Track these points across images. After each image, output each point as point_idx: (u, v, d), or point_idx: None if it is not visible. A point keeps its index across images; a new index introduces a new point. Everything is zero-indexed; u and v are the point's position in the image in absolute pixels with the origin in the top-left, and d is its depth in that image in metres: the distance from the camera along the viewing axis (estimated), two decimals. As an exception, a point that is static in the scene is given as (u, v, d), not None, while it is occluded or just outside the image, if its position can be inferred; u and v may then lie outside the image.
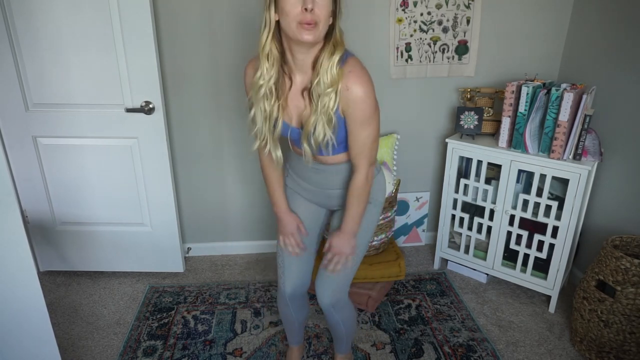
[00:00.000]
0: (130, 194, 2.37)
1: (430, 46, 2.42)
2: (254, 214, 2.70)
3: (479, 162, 2.29)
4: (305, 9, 1.17)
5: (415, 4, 2.33)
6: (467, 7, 2.34)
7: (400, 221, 2.75)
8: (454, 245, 2.55)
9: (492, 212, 2.30)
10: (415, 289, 2.41)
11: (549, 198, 2.12)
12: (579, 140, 2.01)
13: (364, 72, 1.29)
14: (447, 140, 2.35)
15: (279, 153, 1.41)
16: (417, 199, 2.74)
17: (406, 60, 2.43)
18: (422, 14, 2.35)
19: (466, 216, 2.42)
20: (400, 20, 2.36)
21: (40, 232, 2.44)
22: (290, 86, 1.35)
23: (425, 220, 2.80)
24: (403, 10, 2.34)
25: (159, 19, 2.22)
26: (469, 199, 2.38)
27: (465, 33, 2.40)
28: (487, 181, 2.33)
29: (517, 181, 2.20)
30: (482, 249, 2.43)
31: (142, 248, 2.49)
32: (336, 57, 1.25)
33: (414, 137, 2.61)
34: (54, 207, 2.40)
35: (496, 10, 2.36)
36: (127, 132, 2.24)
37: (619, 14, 2.08)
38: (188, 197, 2.62)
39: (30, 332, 1.41)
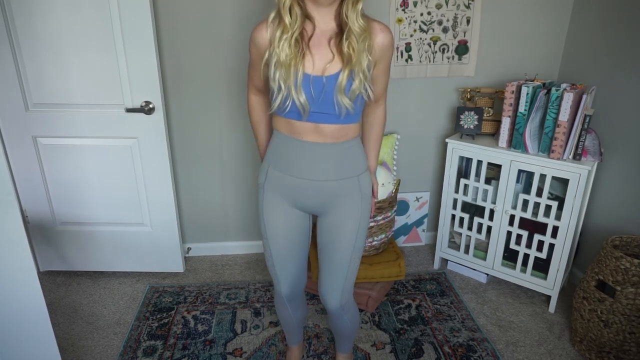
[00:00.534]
0: (130, 194, 2.37)
1: (430, 46, 2.42)
2: (254, 214, 2.70)
3: (479, 162, 2.29)
4: None
5: (415, 4, 2.33)
6: (467, 7, 2.35)
7: (400, 221, 2.75)
8: (454, 245, 2.55)
9: (492, 212, 2.31)
10: (415, 289, 2.42)
11: (549, 198, 2.12)
12: (579, 140, 2.01)
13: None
14: (447, 140, 2.35)
15: (303, 97, 1.31)
16: (417, 199, 2.74)
17: (406, 61, 2.43)
18: (422, 14, 2.35)
19: (466, 216, 2.42)
20: (400, 20, 2.36)
21: (40, 232, 2.44)
22: (313, 32, 1.32)
23: (425, 220, 2.81)
24: (403, 10, 2.34)
25: (159, 19, 2.22)
26: (469, 199, 2.38)
27: (465, 33, 2.40)
28: (487, 181, 2.33)
29: (517, 181, 2.20)
30: (482, 249, 2.43)
31: (142, 248, 2.49)
32: (360, 6, 1.27)
33: (414, 137, 2.61)
34: (54, 207, 2.40)
35: (496, 10, 2.37)
36: (127, 132, 2.24)
37: (619, 14, 2.08)
38: (188, 197, 2.62)
39: (30, 332, 1.41)
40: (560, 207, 2.11)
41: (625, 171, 2.08)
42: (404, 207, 2.74)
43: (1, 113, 2.19)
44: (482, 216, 2.35)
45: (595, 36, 2.23)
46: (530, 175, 2.22)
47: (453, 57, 2.44)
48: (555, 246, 2.15)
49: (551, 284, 2.21)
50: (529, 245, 2.23)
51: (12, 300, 1.34)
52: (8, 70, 2.10)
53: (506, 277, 2.35)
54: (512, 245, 2.28)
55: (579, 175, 2.01)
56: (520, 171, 2.18)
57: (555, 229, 2.14)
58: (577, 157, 2.03)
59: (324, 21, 1.32)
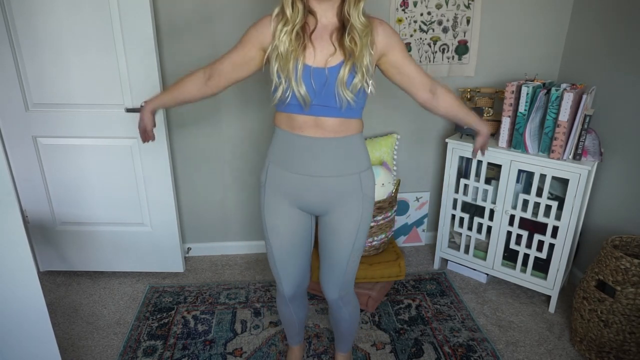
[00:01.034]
0: (130, 194, 2.37)
1: (430, 46, 2.42)
2: (254, 214, 2.70)
3: (479, 162, 2.29)
4: None
5: (415, 4, 2.33)
6: (467, 7, 2.35)
7: (400, 221, 2.75)
8: (454, 245, 2.55)
9: (492, 212, 2.31)
10: (415, 289, 2.42)
11: (549, 198, 2.12)
12: (579, 140, 2.01)
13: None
14: (447, 140, 2.35)
15: (304, 89, 1.33)
16: (417, 199, 2.74)
17: (406, 60, 2.43)
18: (422, 14, 2.35)
19: (466, 216, 2.42)
20: (400, 20, 2.36)
21: (40, 232, 2.44)
22: (315, 26, 1.35)
23: (425, 220, 2.81)
24: (403, 10, 2.34)
25: (159, 19, 2.22)
26: (469, 199, 2.38)
27: (465, 33, 2.40)
28: (487, 181, 2.33)
29: (517, 181, 2.20)
30: (482, 249, 2.43)
31: (142, 248, 2.49)
32: (362, 4, 1.31)
33: (414, 137, 2.61)
34: (54, 207, 2.40)
35: (496, 10, 2.37)
36: (127, 132, 2.24)
37: (619, 14, 2.08)
38: (188, 197, 2.62)
39: (30, 332, 1.41)
40: (560, 207, 2.11)
41: (625, 171, 2.08)
42: (404, 207, 2.74)
43: (1, 113, 2.19)
44: (482, 216, 2.35)
45: (595, 36, 2.23)
46: (530, 175, 2.22)
47: (453, 57, 2.44)
48: (555, 246, 2.15)
49: (551, 284, 2.21)
50: (529, 245, 2.23)
51: (12, 300, 1.34)
52: (8, 70, 2.10)
53: (506, 277, 2.35)
54: (512, 245, 2.28)
55: (579, 175, 2.01)
56: (520, 171, 2.18)
57: (555, 229, 2.14)
58: (577, 157, 2.03)
59: (326, 16, 1.35)
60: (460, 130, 2.32)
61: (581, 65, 2.33)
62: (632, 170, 2.04)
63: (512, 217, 2.25)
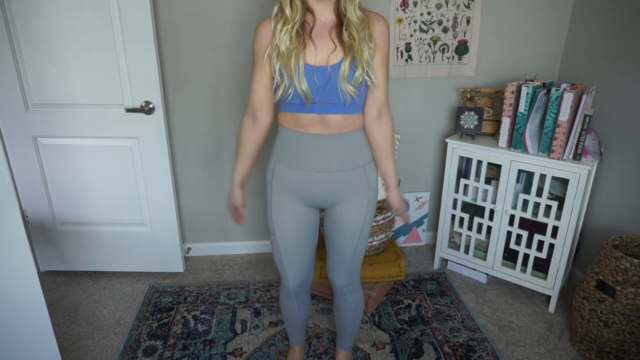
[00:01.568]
0: (130, 194, 2.37)
1: (430, 46, 2.42)
2: (254, 214, 2.69)
3: (479, 162, 2.29)
4: None
5: (415, 4, 2.33)
6: (467, 7, 2.35)
7: (400, 221, 2.75)
8: (454, 245, 2.55)
9: (492, 212, 2.31)
10: (415, 289, 2.42)
11: (549, 198, 2.12)
12: (578, 140, 2.01)
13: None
14: (447, 140, 2.35)
15: (305, 85, 1.34)
16: (417, 199, 2.74)
17: (406, 61, 2.43)
18: (422, 14, 2.35)
19: (466, 216, 2.42)
20: (400, 20, 2.36)
21: (40, 232, 2.44)
22: (314, 24, 1.37)
23: (425, 220, 2.81)
24: (403, 10, 2.34)
25: (159, 19, 2.22)
26: (469, 199, 2.38)
27: (465, 33, 2.40)
28: (487, 181, 2.33)
29: (517, 181, 2.20)
30: (482, 249, 2.43)
31: (142, 248, 2.49)
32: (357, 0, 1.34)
33: (414, 137, 2.61)
34: (54, 207, 2.40)
35: (496, 10, 2.37)
36: (127, 132, 2.24)
37: (619, 14, 2.08)
38: (188, 197, 2.62)
39: (30, 332, 1.41)
40: (560, 207, 2.11)
41: (625, 171, 2.08)
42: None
43: (1, 113, 2.19)
44: (482, 216, 2.35)
45: (595, 36, 2.23)
46: (530, 175, 2.22)
47: (453, 57, 2.44)
48: (555, 246, 2.15)
49: (551, 284, 2.21)
50: (529, 245, 2.23)
51: (12, 300, 1.34)
52: (8, 70, 2.10)
53: (506, 277, 2.35)
54: (512, 245, 2.28)
55: (579, 175, 2.01)
56: (520, 171, 2.18)
57: (555, 229, 2.14)
58: (577, 157, 2.03)
59: (324, 13, 1.37)
60: (460, 130, 2.32)
61: (581, 65, 2.33)
62: (632, 170, 2.04)
63: (512, 217, 2.25)
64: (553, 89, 2.00)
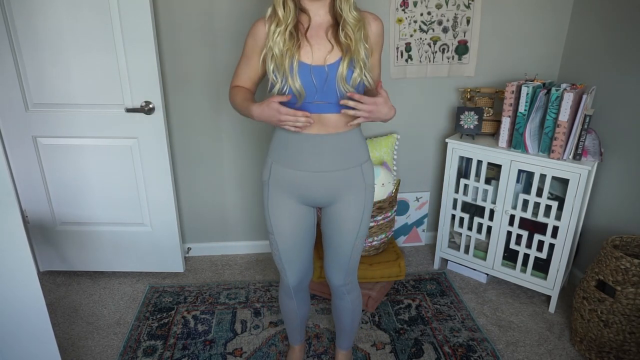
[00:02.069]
0: (130, 194, 2.37)
1: (430, 46, 2.42)
2: (254, 214, 2.70)
3: (479, 162, 2.29)
4: None
5: (415, 4, 2.33)
6: (467, 7, 2.35)
7: (400, 221, 2.75)
8: (454, 245, 2.55)
9: (492, 212, 2.31)
10: (415, 289, 2.42)
11: (549, 198, 2.12)
12: (579, 140, 2.01)
13: None
14: (447, 140, 2.35)
15: (299, 83, 1.33)
16: (417, 199, 2.74)
17: (406, 61, 2.43)
18: (422, 14, 2.35)
19: (466, 216, 2.42)
20: (400, 20, 2.36)
21: (40, 232, 2.44)
22: (309, 25, 1.38)
23: (425, 220, 2.81)
24: (403, 10, 2.34)
25: (158, 19, 2.22)
26: (469, 199, 2.38)
27: (465, 33, 2.40)
28: (487, 181, 2.33)
29: (517, 181, 2.20)
30: (482, 249, 2.43)
31: (142, 248, 2.49)
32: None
33: (414, 137, 2.61)
34: (54, 207, 2.40)
35: (496, 10, 2.37)
36: (127, 132, 2.24)
37: (619, 14, 2.08)
38: (188, 197, 2.62)
39: (30, 332, 1.41)
40: (560, 207, 2.11)
41: (625, 171, 2.08)
42: (404, 207, 2.74)
43: (1, 113, 2.19)
44: (482, 216, 2.35)
45: (595, 36, 2.23)
46: (530, 175, 2.22)
47: (453, 57, 2.44)
48: (555, 246, 2.15)
49: (551, 284, 2.21)
50: (529, 245, 2.23)
51: (12, 300, 1.34)
52: (8, 70, 2.10)
53: (506, 277, 2.35)
54: (512, 245, 2.28)
55: (579, 175, 2.01)
56: (520, 171, 2.18)
57: (555, 229, 2.14)
58: (577, 157, 2.03)
59: (319, 14, 1.38)
60: (460, 130, 2.31)
61: (581, 65, 2.33)
62: (632, 170, 2.04)
63: (512, 217, 2.25)
64: (553, 89, 2.00)
